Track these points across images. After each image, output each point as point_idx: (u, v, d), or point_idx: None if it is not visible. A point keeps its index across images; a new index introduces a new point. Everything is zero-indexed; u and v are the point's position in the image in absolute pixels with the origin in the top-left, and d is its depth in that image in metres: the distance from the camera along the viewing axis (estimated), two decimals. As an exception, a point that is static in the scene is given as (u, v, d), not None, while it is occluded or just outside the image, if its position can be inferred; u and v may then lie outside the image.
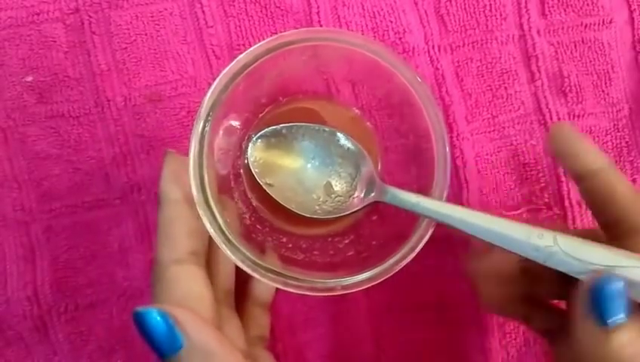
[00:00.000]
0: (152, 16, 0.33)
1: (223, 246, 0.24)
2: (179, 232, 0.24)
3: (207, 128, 0.25)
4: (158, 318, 0.21)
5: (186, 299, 0.23)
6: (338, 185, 0.29)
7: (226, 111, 0.26)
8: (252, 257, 0.24)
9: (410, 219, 0.26)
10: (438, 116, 0.26)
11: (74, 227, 0.32)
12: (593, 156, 0.25)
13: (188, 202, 0.24)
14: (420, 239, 0.25)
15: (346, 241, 0.30)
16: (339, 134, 0.29)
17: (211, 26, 0.33)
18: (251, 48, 0.25)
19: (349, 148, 0.29)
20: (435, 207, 0.25)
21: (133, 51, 0.33)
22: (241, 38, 0.33)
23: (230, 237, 0.24)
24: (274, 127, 0.29)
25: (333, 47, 0.26)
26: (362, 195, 0.28)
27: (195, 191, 0.24)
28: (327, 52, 0.27)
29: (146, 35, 0.33)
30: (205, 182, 0.24)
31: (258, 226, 0.29)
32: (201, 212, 0.24)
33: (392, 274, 0.25)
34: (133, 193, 0.33)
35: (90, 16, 0.33)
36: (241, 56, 0.25)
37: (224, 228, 0.24)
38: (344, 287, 0.25)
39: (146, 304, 0.22)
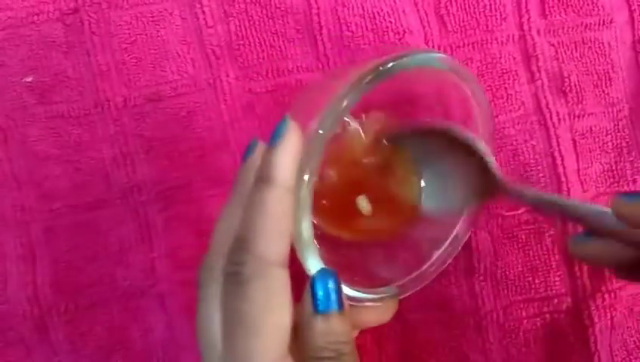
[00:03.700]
0: (152, 17, 0.33)
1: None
2: (288, 230, 0.22)
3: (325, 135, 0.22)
4: (335, 278, 0.23)
5: (282, 307, 0.21)
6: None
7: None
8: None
9: (425, 247, 0.28)
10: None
11: (74, 227, 0.32)
12: None
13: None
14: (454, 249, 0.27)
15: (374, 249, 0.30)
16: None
17: (211, 26, 0.33)
18: (400, 55, 0.24)
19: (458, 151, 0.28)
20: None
21: (133, 51, 0.33)
22: (241, 38, 0.33)
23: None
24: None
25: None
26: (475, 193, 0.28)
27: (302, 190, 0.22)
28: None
29: (146, 35, 0.33)
30: (310, 182, 0.22)
31: None
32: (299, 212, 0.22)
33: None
34: (134, 193, 0.32)
35: (90, 17, 0.32)
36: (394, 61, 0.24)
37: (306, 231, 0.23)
38: (353, 300, 0.25)
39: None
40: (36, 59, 0.32)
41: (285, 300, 0.21)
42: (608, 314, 0.33)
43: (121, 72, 0.33)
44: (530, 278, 0.33)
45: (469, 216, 0.29)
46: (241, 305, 0.21)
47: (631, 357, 0.33)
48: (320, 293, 0.22)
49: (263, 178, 0.21)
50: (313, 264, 0.23)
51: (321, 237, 0.28)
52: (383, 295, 0.26)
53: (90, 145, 0.33)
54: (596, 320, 0.33)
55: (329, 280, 0.23)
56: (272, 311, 0.21)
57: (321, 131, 0.22)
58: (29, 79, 0.32)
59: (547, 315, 0.33)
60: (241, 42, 0.33)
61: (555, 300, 0.33)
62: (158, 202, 0.33)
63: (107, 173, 0.33)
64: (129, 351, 0.33)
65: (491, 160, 0.27)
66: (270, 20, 0.33)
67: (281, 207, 0.21)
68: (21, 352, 0.32)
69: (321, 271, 0.23)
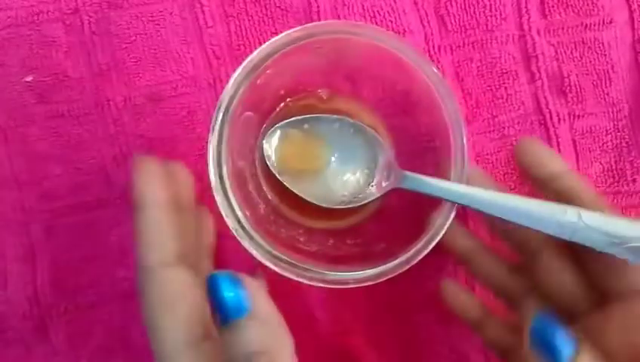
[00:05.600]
0: (152, 16, 0.33)
1: (238, 234, 0.25)
2: (164, 236, 0.24)
3: (226, 118, 0.25)
4: (231, 282, 0.21)
5: (178, 301, 0.23)
6: (357, 175, 0.29)
7: (245, 102, 0.26)
8: (266, 246, 0.25)
9: (422, 215, 0.27)
10: (457, 113, 0.27)
11: (74, 227, 0.32)
12: (558, 162, 0.27)
13: (168, 205, 0.25)
14: (432, 236, 0.26)
15: (360, 236, 0.30)
16: (356, 123, 0.29)
17: (211, 26, 0.33)
18: (272, 40, 0.26)
19: (366, 137, 0.29)
20: (457, 188, 0.25)
21: (133, 51, 0.33)
22: (241, 38, 0.33)
23: (245, 226, 0.25)
24: (290, 119, 0.29)
25: (354, 42, 0.27)
26: (382, 183, 0.29)
27: (213, 179, 0.25)
28: (347, 46, 0.28)
29: (146, 35, 0.33)
30: (224, 172, 0.25)
31: (272, 217, 0.29)
32: (219, 200, 0.25)
33: (406, 268, 0.26)
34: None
35: (90, 16, 0.33)
36: (263, 47, 0.25)
37: (240, 218, 0.25)
38: (356, 281, 0.25)
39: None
40: (36, 59, 0.32)
41: (182, 293, 0.23)
42: (608, 314, 0.33)
43: (121, 71, 0.33)
44: (531, 278, 0.33)
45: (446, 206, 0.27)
46: (143, 309, 0.23)
47: (631, 356, 0.33)
48: (214, 303, 0.21)
49: (133, 205, 0.25)
50: (253, 253, 0.25)
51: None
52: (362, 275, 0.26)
53: (90, 144, 0.33)
54: (596, 320, 0.33)
55: (223, 286, 0.21)
56: (167, 306, 0.23)
57: (210, 138, 0.25)
58: (29, 79, 0.32)
59: (547, 315, 0.33)
60: (241, 42, 0.33)
61: (555, 300, 0.33)
62: (158, 202, 0.33)
63: (107, 173, 0.32)
64: (129, 351, 0.33)
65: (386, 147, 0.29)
66: (270, 20, 0.33)
67: (150, 222, 0.24)
68: (21, 352, 0.32)
69: (212, 277, 0.21)
